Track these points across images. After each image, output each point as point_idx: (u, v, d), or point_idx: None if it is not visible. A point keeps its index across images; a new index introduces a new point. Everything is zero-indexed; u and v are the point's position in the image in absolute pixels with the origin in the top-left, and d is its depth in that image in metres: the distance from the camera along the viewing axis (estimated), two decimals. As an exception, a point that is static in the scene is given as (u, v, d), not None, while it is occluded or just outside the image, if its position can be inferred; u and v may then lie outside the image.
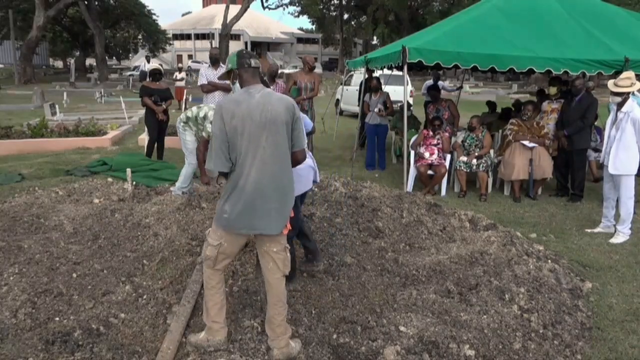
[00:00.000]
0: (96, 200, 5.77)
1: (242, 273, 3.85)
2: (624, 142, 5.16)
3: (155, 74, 8.10)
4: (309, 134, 3.96)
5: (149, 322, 3.30)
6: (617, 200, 5.39)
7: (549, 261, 4.47)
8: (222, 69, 7.58)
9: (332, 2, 50.91)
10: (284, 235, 2.96)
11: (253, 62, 2.88)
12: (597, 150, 7.30)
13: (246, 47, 62.30)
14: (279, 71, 10.81)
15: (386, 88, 8.96)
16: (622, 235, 5.29)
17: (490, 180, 7.09)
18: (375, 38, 51.33)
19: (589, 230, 5.59)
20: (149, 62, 23.22)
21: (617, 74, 6.07)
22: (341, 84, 15.20)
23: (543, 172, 6.80)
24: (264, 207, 2.80)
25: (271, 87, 7.03)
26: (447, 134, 7.22)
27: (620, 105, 5.23)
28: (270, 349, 3.00)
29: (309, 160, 3.56)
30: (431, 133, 7.17)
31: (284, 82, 8.33)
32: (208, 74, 7.46)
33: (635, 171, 5.23)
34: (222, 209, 2.83)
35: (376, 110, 8.27)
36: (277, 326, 2.99)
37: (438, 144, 7.11)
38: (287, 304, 3.05)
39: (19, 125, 10.74)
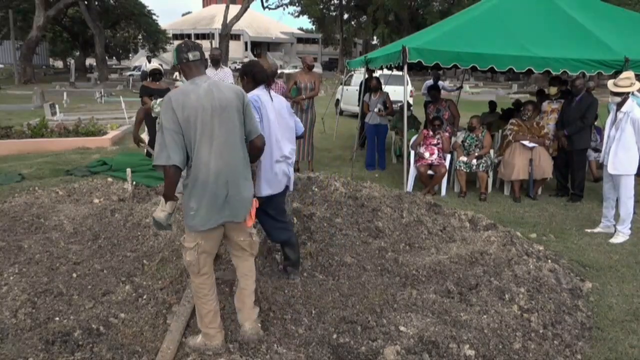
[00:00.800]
0: (96, 200, 5.77)
1: (242, 273, 3.84)
2: (623, 142, 5.17)
3: (155, 74, 8.08)
4: (299, 137, 3.93)
5: (149, 322, 3.30)
6: (617, 200, 5.40)
7: (549, 261, 4.47)
8: (223, 69, 7.58)
9: (332, 2, 50.81)
10: (249, 226, 3.03)
11: (191, 55, 2.85)
12: (597, 150, 7.30)
13: (246, 47, 62.43)
14: (279, 71, 10.80)
15: (386, 88, 8.96)
16: (622, 235, 5.30)
17: (490, 180, 7.09)
18: (375, 38, 51.26)
19: (589, 230, 5.59)
20: (150, 62, 23.23)
21: (617, 74, 6.07)
22: (341, 84, 15.20)
23: (543, 172, 6.80)
24: (227, 196, 2.82)
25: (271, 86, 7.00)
26: (447, 134, 7.22)
27: (619, 105, 5.23)
28: (241, 326, 3.07)
29: (284, 166, 3.58)
30: (431, 133, 7.17)
31: (284, 82, 8.32)
32: (209, 74, 7.43)
33: (634, 171, 5.23)
34: (188, 207, 2.83)
35: (376, 110, 8.27)
36: (247, 297, 3.07)
37: (438, 144, 7.11)
38: (255, 278, 3.17)
39: (19, 125, 10.73)
